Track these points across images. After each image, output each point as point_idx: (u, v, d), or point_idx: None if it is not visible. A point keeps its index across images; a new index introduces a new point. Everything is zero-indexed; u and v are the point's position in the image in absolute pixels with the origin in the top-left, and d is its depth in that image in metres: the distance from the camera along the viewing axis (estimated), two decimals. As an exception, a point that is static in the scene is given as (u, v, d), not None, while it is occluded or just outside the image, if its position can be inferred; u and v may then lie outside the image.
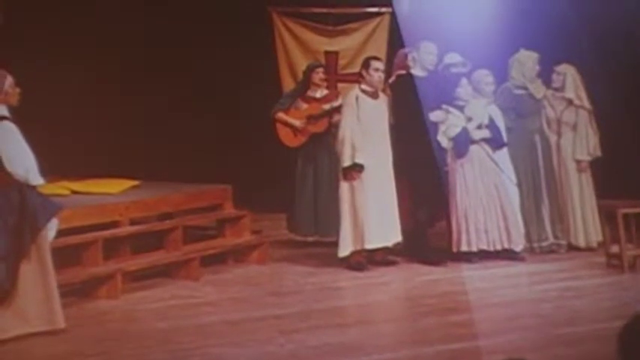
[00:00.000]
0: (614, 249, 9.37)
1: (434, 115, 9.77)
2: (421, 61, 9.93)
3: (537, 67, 10.25)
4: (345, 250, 9.54)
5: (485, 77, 9.92)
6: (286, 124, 10.65)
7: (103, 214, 9.06)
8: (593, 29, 10.97)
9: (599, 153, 10.27)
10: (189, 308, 8.25)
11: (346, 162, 9.49)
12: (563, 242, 10.19)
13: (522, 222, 9.90)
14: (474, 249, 9.71)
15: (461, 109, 9.82)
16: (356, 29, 12.15)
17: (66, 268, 8.33)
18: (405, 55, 10.09)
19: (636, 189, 9.62)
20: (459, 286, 8.82)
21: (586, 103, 10.29)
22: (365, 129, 9.55)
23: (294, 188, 10.64)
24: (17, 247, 7.27)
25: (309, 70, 10.80)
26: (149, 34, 12.56)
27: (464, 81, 9.85)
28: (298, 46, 12.18)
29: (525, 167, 10.10)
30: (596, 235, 10.09)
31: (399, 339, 7.45)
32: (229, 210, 10.19)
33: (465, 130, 9.74)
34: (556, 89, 10.33)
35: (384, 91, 9.91)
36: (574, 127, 10.29)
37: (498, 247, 9.75)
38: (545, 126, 10.30)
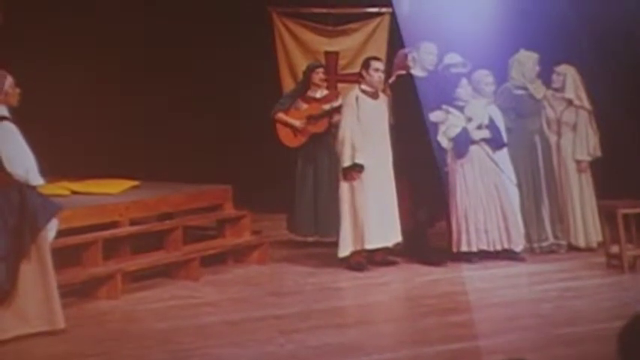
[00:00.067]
0: (614, 249, 9.37)
1: (434, 116, 9.78)
2: (421, 61, 9.93)
3: (537, 68, 10.25)
4: (345, 250, 9.54)
5: (486, 77, 9.92)
6: (286, 124, 10.65)
7: (103, 214, 9.05)
8: (593, 29, 10.97)
9: (599, 153, 10.27)
10: (189, 308, 8.25)
11: (346, 162, 9.49)
12: (563, 242, 10.19)
13: (522, 222, 9.90)
14: (474, 249, 9.71)
15: (461, 109, 9.82)
16: (356, 29, 12.15)
17: (66, 269, 8.33)
18: (405, 56, 10.09)
19: (636, 189, 9.63)
20: (459, 286, 8.82)
21: (586, 104, 10.29)
22: (365, 129, 9.55)
23: (294, 188, 10.65)
24: (17, 247, 7.27)
25: (309, 70, 10.80)
26: (149, 34, 12.56)
27: (464, 81, 9.85)
28: (298, 46, 12.18)
29: (525, 167, 10.10)
30: (596, 236, 10.09)
31: (399, 339, 7.45)
32: (229, 210, 10.19)
33: (465, 131, 9.74)
34: (556, 89, 10.33)
35: (384, 91, 9.91)
36: (574, 128, 10.29)
37: (498, 248, 9.75)
38: (545, 126, 10.30)
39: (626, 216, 9.21)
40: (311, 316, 7.93)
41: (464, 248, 9.69)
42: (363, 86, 9.72)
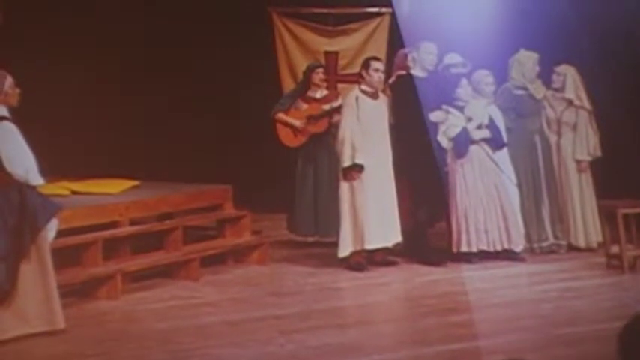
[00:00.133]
0: (614, 249, 9.37)
1: (434, 116, 9.78)
2: (421, 61, 9.93)
3: (537, 68, 10.25)
4: (345, 250, 9.54)
5: (485, 77, 9.92)
6: (286, 124, 10.65)
7: (103, 214, 9.05)
8: (593, 29, 10.97)
9: (599, 153, 10.27)
10: (189, 308, 8.25)
11: (346, 162, 9.49)
12: (563, 242, 10.19)
13: (522, 222, 9.90)
14: (474, 249, 9.71)
15: (461, 109, 9.82)
16: (356, 29, 12.15)
17: (66, 269, 8.33)
18: (405, 56, 10.09)
19: (636, 189, 9.63)
20: (458, 286, 8.82)
21: (586, 104, 10.29)
22: (365, 129, 9.55)
23: (294, 188, 10.65)
24: (17, 247, 7.27)
25: (309, 70, 10.80)
26: (149, 34, 12.56)
27: (464, 81, 9.85)
28: (298, 46, 12.18)
29: (525, 167, 10.10)
30: (596, 236, 10.09)
31: (399, 339, 7.45)
32: (229, 210, 10.18)
33: (464, 131, 9.74)
34: (556, 89, 10.33)
35: (384, 91, 9.91)
36: (574, 128, 10.29)
37: (498, 248, 9.75)
38: (545, 126, 10.30)
39: (626, 216, 9.21)
40: (311, 316, 7.93)
41: (464, 248, 9.69)
42: (363, 86, 9.72)
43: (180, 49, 12.62)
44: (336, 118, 10.27)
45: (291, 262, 9.99)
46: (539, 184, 10.17)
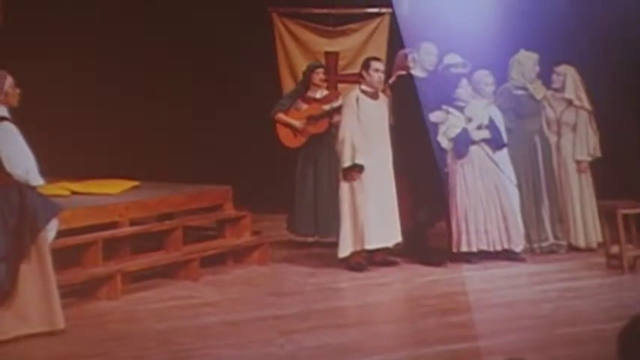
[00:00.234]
0: (614, 249, 9.37)
1: (434, 116, 9.78)
2: (421, 61, 9.94)
3: (537, 68, 10.25)
4: (345, 250, 9.54)
5: (485, 78, 9.92)
6: (286, 124, 10.64)
7: (103, 214, 9.05)
8: (593, 29, 10.97)
9: (599, 153, 10.27)
10: (189, 309, 8.25)
11: (346, 162, 9.49)
12: (563, 243, 10.19)
13: (522, 222, 9.90)
14: (474, 249, 9.71)
15: (461, 109, 9.82)
16: (356, 30, 12.15)
17: (66, 269, 8.33)
18: (405, 56, 10.09)
19: (636, 189, 9.63)
20: (459, 286, 8.82)
21: (586, 104, 10.29)
22: (365, 129, 9.55)
23: (294, 189, 10.64)
24: (17, 247, 7.27)
25: (309, 70, 10.80)
26: (149, 34, 12.56)
27: (464, 81, 9.85)
28: (298, 46, 12.18)
29: (525, 168, 10.10)
30: (596, 236, 10.09)
31: (399, 340, 7.45)
32: (229, 211, 10.18)
33: (465, 131, 9.74)
34: (556, 90, 10.33)
35: (384, 91, 9.91)
36: (574, 128, 10.29)
37: (498, 248, 9.75)
38: (545, 127, 10.30)
39: (626, 216, 9.21)
40: (311, 316, 7.93)
41: (464, 248, 9.69)
42: (363, 86, 9.72)
43: (179, 49, 12.63)
44: (336, 118, 10.26)
45: (291, 263, 9.99)
46: (539, 184, 10.16)
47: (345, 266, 9.55)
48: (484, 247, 9.72)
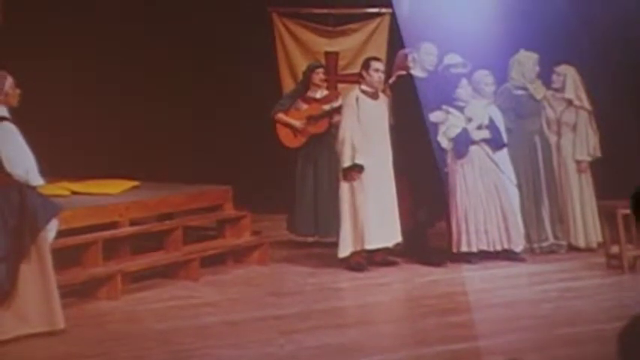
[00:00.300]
0: (614, 249, 9.37)
1: (434, 116, 9.78)
2: (421, 61, 9.94)
3: (537, 68, 10.25)
4: (345, 250, 9.54)
5: (485, 78, 9.92)
6: (286, 124, 10.64)
7: (103, 214, 9.05)
8: (593, 29, 10.97)
9: (599, 153, 10.26)
10: (189, 309, 8.25)
11: (346, 162, 9.49)
12: (563, 243, 10.19)
13: (522, 222, 9.89)
14: (474, 249, 9.71)
15: (461, 109, 9.82)
16: (356, 30, 12.15)
17: (66, 269, 8.33)
18: (405, 56, 10.09)
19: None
20: (459, 286, 8.82)
21: (586, 104, 10.29)
22: (365, 129, 9.55)
23: (294, 189, 10.64)
24: (17, 247, 7.27)
25: (309, 70, 10.80)
26: (149, 34, 12.55)
27: (464, 82, 9.84)
28: (298, 46, 12.18)
29: (525, 168, 10.10)
30: (596, 236, 10.08)
31: (399, 340, 7.45)
32: (229, 211, 10.18)
33: (465, 131, 9.74)
34: (556, 90, 10.33)
35: (384, 91, 9.91)
36: (574, 128, 10.29)
37: (498, 248, 9.75)
38: (545, 127, 10.30)
39: (626, 216, 9.19)
40: (311, 316, 7.93)
41: (464, 249, 9.69)
42: (363, 86, 9.71)
43: (179, 49, 12.62)
44: (336, 118, 10.26)
45: (291, 263, 9.98)
46: (539, 184, 10.16)
47: (345, 266, 9.55)
48: (484, 247, 9.72)
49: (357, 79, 9.96)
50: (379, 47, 11.84)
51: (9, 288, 7.24)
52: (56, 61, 11.88)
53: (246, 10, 12.28)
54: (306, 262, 9.96)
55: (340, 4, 12.17)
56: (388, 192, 9.59)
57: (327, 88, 10.91)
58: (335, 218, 9.81)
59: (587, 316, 7.78)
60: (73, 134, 12.15)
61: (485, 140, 9.77)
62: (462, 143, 9.73)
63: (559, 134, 10.32)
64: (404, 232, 9.66)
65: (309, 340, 7.19)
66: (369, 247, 9.55)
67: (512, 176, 9.89)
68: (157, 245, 9.42)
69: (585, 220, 10.21)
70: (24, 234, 7.29)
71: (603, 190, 10.16)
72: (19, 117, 7.37)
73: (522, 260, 9.76)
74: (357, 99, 9.65)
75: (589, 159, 10.27)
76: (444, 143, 9.78)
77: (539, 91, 10.29)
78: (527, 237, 10.00)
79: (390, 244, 9.62)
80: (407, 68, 9.98)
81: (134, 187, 10.06)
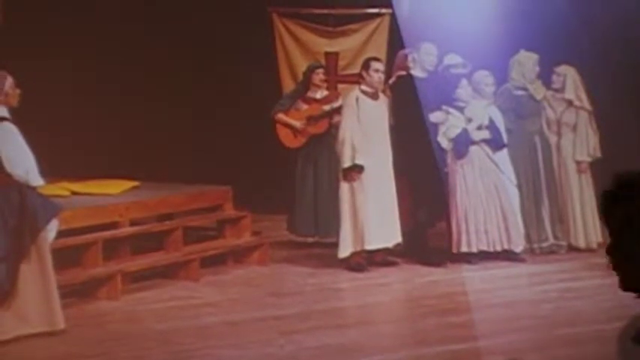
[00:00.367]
0: (614, 250, 9.35)
1: (434, 116, 9.78)
2: (421, 62, 9.94)
3: (537, 68, 10.25)
4: (345, 251, 9.54)
5: (486, 78, 9.92)
6: (286, 125, 10.64)
7: (103, 215, 9.05)
8: (593, 29, 10.97)
9: (599, 154, 10.27)
10: (189, 309, 8.25)
11: (346, 163, 9.49)
12: (564, 243, 10.19)
13: (522, 223, 9.90)
14: (474, 250, 9.71)
15: (461, 110, 9.82)
16: (356, 30, 12.14)
17: (66, 269, 8.33)
18: (405, 56, 10.09)
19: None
20: (459, 287, 8.83)
21: (586, 104, 10.29)
22: (365, 130, 9.55)
23: (294, 189, 10.64)
24: (17, 247, 7.28)
25: (309, 70, 10.80)
26: (149, 34, 12.55)
27: (464, 82, 9.85)
28: (298, 47, 12.17)
29: (525, 168, 10.10)
30: (596, 236, 10.09)
31: (399, 340, 7.45)
32: (229, 211, 10.18)
33: (465, 131, 9.74)
34: (556, 90, 10.33)
35: (384, 92, 9.91)
36: (574, 128, 10.29)
37: (498, 248, 9.75)
38: (545, 127, 10.30)
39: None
40: (311, 316, 7.94)
41: (464, 249, 9.69)
42: (363, 87, 9.72)
43: (179, 49, 12.62)
44: (336, 118, 10.26)
45: (291, 263, 9.98)
46: (539, 184, 10.17)
47: (345, 266, 9.55)
48: (484, 248, 9.72)
49: (357, 79, 9.96)
50: (379, 47, 11.84)
51: (9, 288, 7.25)
52: (56, 61, 11.88)
53: (246, 10, 12.28)
54: (306, 262, 9.96)
55: (340, 4, 12.17)
56: (388, 192, 9.60)
57: (327, 88, 10.91)
58: (335, 218, 9.81)
59: (587, 316, 7.78)
60: (73, 134, 12.14)
61: (485, 140, 9.77)
62: (462, 143, 9.73)
63: (559, 134, 10.32)
64: (404, 233, 9.66)
65: (309, 341, 7.19)
66: (369, 247, 9.55)
67: (512, 176, 9.89)
68: (157, 245, 9.42)
69: (585, 220, 10.21)
70: (24, 234, 7.29)
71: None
72: (19, 117, 7.37)
73: (522, 260, 9.76)
74: (357, 99, 9.65)
75: (589, 159, 10.27)
76: (444, 143, 9.78)
77: (539, 91, 10.29)
78: (527, 237, 10.00)
79: (390, 244, 9.62)
80: (407, 68, 9.99)
81: (134, 187, 10.06)
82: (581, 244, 10.18)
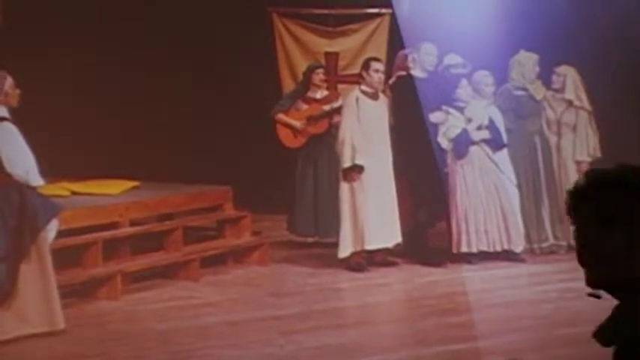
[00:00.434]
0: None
1: (434, 116, 9.78)
2: (421, 62, 9.94)
3: (537, 69, 10.25)
4: (345, 251, 9.54)
5: (485, 78, 9.92)
6: (286, 125, 10.64)
7: (103, 215, 9.05)
8: (593, 29, 10.97)
9: (599, 154, 10.27)
10: (189, 309, 8.25)
11: (346, 163, 9.50)
12: (564, 243, 10.19)
13: (522, 223, 9.90)
14: (474, 250, 9.71)
15: (461, 110, 9.82)
16: (356, 30, 12.14)
17: (66, 269, 8.33)
18: (405, 56, 10.09)
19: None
20: (458, 287, 8.83)
21: (586, 104, 10.29)
22: (365, 130, 9.56)
23: (294, 189, 10.64)
24: (17, 247, 7.28)
25: (309, 71, 10.80)
26: (149, 34, 12.55)
27: (464, 82, 9.85)
28: (298, 47, 12.17)
29: (525, 168, 10.10)
30: (596, 236, 10.07)
31: (399, 340, 7.45)
32: (229, 211, 10.18)
33: (465, 131, 9.74)
34: (556, 90, 10.33)
35: (384, 92, 9.91)
36: (574, 128, 10.29)
37: (498, 248, 9.75)
38: (545, 127, 10.30)
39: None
40: (311, 316, 7.94)
41: (464, 249, 9.69)
42: (363, 87, 9.72)
43: (179, 49, 12.62)
44: (336, 118, 10.26)
45: (291, 263, 9.98)
46: (539, 184, 10.17)
47: (345, 266, 9.55)
48: (484, 248, 9.72)
49: (357, 79, 9.96)
50: (379, 48, 11.84)
51: (9, 288, 7.25)
52: (56, 61, 11.88)
53: (246, 10, 12.28)
54: (306, 262, 9.96)
55: (340, 4, 12.17)
56: (388, 192, 9.60)
57: (327, 88, 10.91)
58: (335, 218, 9.81)
59: (587, 316, 7.71)
60: (73, 134, 12.14)
61: (485, 141, 9.77)
62: (462, 144, 9.73)
63: (559, 135, 10.32)
64: (404, 233, 9.66)
65: (309, 341, 7.19)
66: (369, 247, 9.55)
67: (512, 176, 9.90)
68: (157, 245, 9.42)
69: (585, 220, 10.19)
70: (24, 234, 7.29)
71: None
72: (19, 117, 7.37)
73: (522, 261, 9.76)
74: (357, 99, 9.66)
75: (589, 159, 10.27)
76: (444, 144, 9.78)
77: (539, 91, 10.29)
78: (527, 237, 10.00)
79: (390, 244, 9.62)
80: (407, 68, 9.99)
81: (134, 187, 10.06)
82: (581, 244, 10.16)
